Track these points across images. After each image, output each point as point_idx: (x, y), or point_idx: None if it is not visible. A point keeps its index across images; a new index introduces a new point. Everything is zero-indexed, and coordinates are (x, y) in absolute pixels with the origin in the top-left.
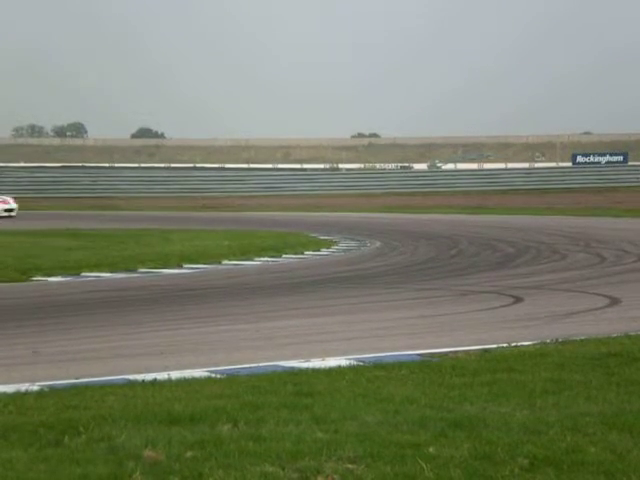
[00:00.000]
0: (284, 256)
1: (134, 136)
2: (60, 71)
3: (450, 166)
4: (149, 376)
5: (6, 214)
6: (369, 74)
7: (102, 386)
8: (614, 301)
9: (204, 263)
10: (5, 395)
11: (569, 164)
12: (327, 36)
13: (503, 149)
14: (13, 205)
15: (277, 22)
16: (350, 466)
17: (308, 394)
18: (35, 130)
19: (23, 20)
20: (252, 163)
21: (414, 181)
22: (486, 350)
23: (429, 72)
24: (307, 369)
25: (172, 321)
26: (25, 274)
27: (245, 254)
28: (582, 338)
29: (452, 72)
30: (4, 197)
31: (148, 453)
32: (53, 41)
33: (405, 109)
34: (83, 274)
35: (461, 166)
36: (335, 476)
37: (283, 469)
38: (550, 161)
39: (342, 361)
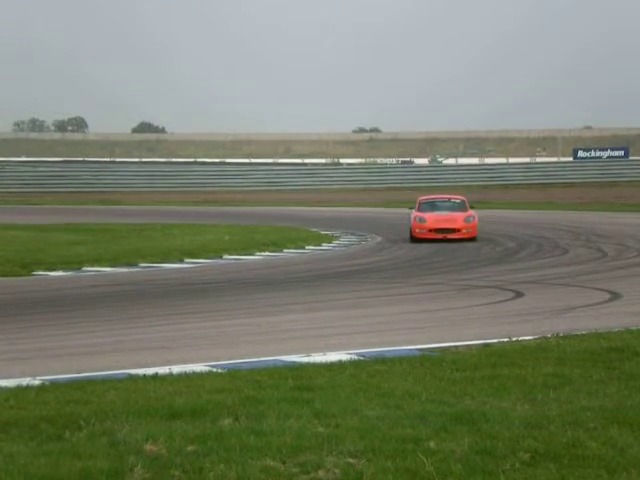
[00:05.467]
0: (285, 251)
1: (135, 131)
2: (61, 65)
3: (451, 161)
4: (150, 370)
5: None
6: (370, 70)
7: (103, 380)
8: (615, 296)
9: (205, 258)
10: (6, 389)
11: (570, 159)
12: (329, 30)
13: (504, 144)
14: None
15: (278, 18)
16: (351, 460)
17: (309, 388)
18: (36, 124)
19: (24, 12)
20: (253, 158)
21: (415, 176)
22: (487, 345)
23: (430, 67)
24: (308, 363)
25: (173, 315)
26: (26, 268)
27: (246, 249)
28: (583, 333)
29: (453, 68)
30: None
31: (149, 447)
32: (54, 34)
33: (406, 104)
34: (84, 269)
35: (462, 161)
36: (336, 470)
37: (284, 463)
38: (551, 156)
39: (343, 356)
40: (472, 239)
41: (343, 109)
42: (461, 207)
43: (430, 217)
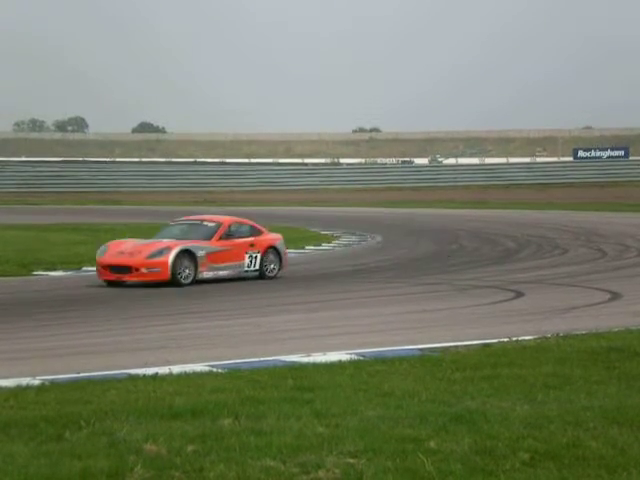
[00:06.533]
0: None
1: (135, 130)
2: (62, 65)
3: (451, 161)
4: (150, 370)
5: None
6: (370, 69)
7: (103, 380)
8: (615, 296)
9: None
10: (6, 389)
11: (570, 159)
12: (328, 30)
13: (504, 144)
14: None
15: (279, 17)
16: (351, 460)
17: (309, 388)
18: (36, 124)
19: (24, 12)
20: (253, 158)
21: (415, 176)
22: (487, 344)
23: (430, 67)
24: (308, 363)
25: (173, 316)
26: (26, 268)
27: None
28: (583, 333)
29: (453, 68)
30: None
31: (149, 447)
32: (54, 34)
33: (406, 103)
34: (84, 269)
35: (462, 161)
36: (336, 470)
37: (284, 463)
38: (551, 156)
39: (343, 355)
40: (166, 282)
41: (343, 109)
42: (206, 234)
43: (112, 247)
